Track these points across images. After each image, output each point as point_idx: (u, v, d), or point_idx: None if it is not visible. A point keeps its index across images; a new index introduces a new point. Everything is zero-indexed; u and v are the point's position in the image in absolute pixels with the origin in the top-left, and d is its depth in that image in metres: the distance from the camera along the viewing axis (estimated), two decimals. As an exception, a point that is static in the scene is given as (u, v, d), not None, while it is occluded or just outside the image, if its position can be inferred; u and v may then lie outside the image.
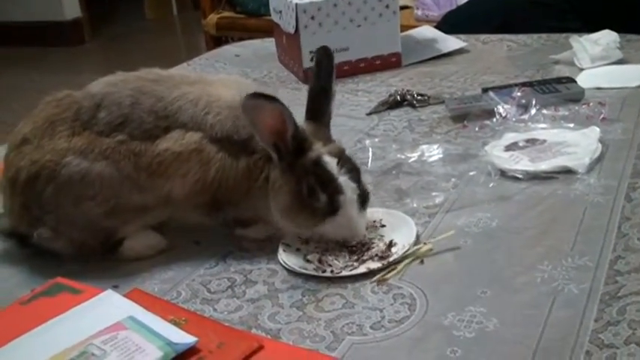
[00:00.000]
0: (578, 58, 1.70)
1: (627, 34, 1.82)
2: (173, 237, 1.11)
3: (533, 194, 1.15)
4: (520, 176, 1.19)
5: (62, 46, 5.01)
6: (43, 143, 1.05)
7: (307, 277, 0.99)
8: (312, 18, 1.78)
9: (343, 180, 1.00)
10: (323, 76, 1.07)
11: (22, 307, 0.90)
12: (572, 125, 1.33)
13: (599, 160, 1.22)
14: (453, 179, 1.21)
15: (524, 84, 1.54)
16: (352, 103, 1.66)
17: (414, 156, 1.30)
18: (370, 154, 1.31)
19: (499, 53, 1.95)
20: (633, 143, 1.29)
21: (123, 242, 1.08)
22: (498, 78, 1.71)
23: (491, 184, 1.18)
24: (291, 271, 1.00)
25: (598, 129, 1.29)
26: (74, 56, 5.00)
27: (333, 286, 0.96)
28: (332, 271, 0.99)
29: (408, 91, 1.63)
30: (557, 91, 1.50)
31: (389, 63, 1.87)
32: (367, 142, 1.37)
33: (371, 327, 0.87)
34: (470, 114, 1.46)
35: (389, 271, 0.98)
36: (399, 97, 1.61)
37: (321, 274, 0.99)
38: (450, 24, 2.28)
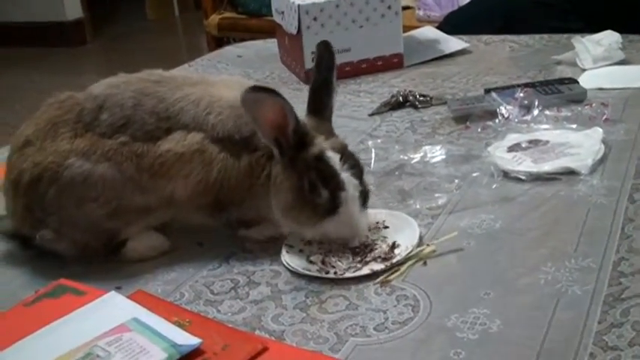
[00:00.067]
0: (581, 58, 1.70)
1: (629, 35, 1.82)
2: (176, 238, 1.11)
3: (536, 195, 1.15)
4: (523, 177, 1.19)
5: (64, 46, 5.01)
6: (45, 145, 1.05)
7: (310, 279, 0.99)
8: (315, 19, 1.78)
9: (345, 176, 1.00)
10: (324, 71, 1.07)
11: (25, 308, 0.90)
12: (574, 126, 1.33)
13: (602, 161, 1.22)
14: (456, 180, 1.21)
15: (526, 85, 1.54)
16: (354, 104, 1.66)
17: (416, 157, 1.30)
18: (373, 155, 1.31)
19: (501, 54, 1.94)
20: (636, 144, 1.29)
21: (126, 243, 1.08)
22: (500, 79, 1.71)
23: (494, 186, 1.18)
24: (294, 273, 1.00)
25: (601, 130, 1.29)
26: (76, 57, 5.01)
27: (336, 288, 0.96)
28: (335, 273, 0.99)
29: (410, 92, 1.63)
30: (559, 92, 1.50)
31: (391, 64, 1.87)
32: (370, 143, 1.37)
33: (374, 328, 0.87)
34: (472, 115, 1.46)
35: (392, 273, 0.98)
36: (401, 98, 1.61)
37: (324, 275, 0.99)
38: (451, 25, 2.27)
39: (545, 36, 1.99)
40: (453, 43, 1.99)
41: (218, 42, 3.55)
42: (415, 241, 1.03)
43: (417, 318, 0.88)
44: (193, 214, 1.09)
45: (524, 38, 2.00)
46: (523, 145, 1.28)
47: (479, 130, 1.41)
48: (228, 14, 3.60)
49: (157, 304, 0.89)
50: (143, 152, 1.05)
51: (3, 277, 1.08)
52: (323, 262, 1.01)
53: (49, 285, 0.96)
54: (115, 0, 6.08)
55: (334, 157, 1.00)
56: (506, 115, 1.41)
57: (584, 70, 1.67)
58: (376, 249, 1.03)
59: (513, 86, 1.55)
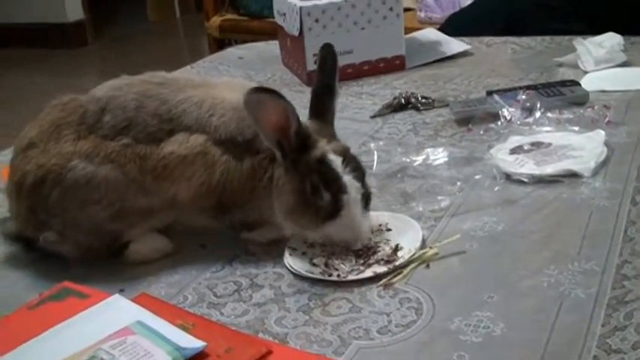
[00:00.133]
0: (582, 60, 1.70)
1: (631, 37, 1.82)
2: (179, 240, 1.11)
3: (538, 198, 1.15)
4: (525, 180, 1.19)
5: (65, 48, 5.01)
6: (49, 147, 1.06)
7: (313, 281, 0.99)
8: (316, 21, 1.79)
9: (347, 179, 1.00)
10: (326, 74, 1.07)
11: (29, 311, 0.90)
12: (577, 128, 1.33)
13: (604, 163, 1.22)
14: (459, 183, 1.21)
15: (528, 87, 1.54)
16: (356, 106, 1.66)
17: (418, 159, 1.30)
18: (375, 157, 1.31)
19: (503, 56, 1.95)
20: (638, 146, 1.29)
21: (129, 246, 1.08)
22: (502, 81, 1.71)
23: (496, 188, 1.18)
24: (297, 275, 1.01)
25: (603, 132, 1.29)
26: (77, 58, 5.01)
27: (339, 290, 0.96)
28: (338, 275, 0.99)
29: (412, 94, 1.63)
30: (561, 94, 1.50)
31: (393, 66, 1.87)
32: (372, 145, 1.37)
33: (378, 331, 0.87)
34: (474, 117, 1.46)
35: (395, 275, 0.98)
36: (403, 100, 1.62)
37: (327, 278, 0.99)
38: (453, 26, 2.27)
39: (547, 38, 1.99)
40: (455, 44, 2.00)
41: (219, 44, 3.55)
42: (418, 243, 1.03)
43: (420, 321, 0.88)
44: (196, 216, 1.09)
45: (525, 40, 2.01)
46: (525, 148, 1.28)
47: (481, 132, 1.41)
48: (229, 16, 3.60)
49: (161, 307, 0.89)
50: (146, 154, 1.05)
51: (6, 279, 1.08)
52: (326, 265, 1.01)
53: (53, 288, 0.96)
54: (116, 1, 6.08)
55: (336, 160, 1.00)
56: (508, 118, 1.41)
57: (585, 72, 1.67)
58: (379, 251, 1.03)
59: (515, 88, 1.55)
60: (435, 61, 1.92)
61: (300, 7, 1.77)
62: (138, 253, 1.09)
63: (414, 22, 2.89)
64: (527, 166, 1.22)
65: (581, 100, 1.49)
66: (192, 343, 0.81)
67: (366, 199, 1.03)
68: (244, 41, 2.77)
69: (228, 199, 1.06)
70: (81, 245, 1.06)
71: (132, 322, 0.84)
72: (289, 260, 1.03)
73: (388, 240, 1.06)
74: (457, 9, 2.76)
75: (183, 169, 1.05)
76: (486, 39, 2.06)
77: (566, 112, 1.43)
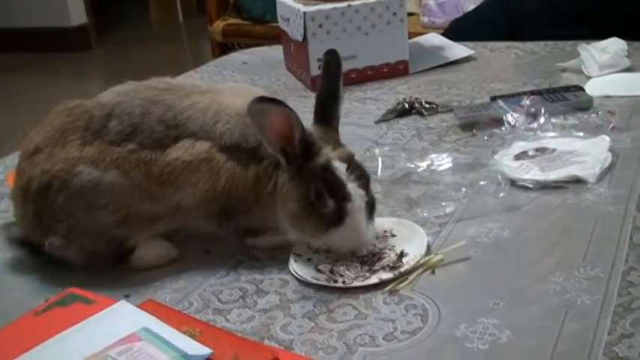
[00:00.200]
0: (586, 66, 1.70)
1: (635, 42, 1.82)
2: (183, 246, 1.11)
3: (543, 204, 1.15)
4: (530, 186, 1.19)
5: (68, 51, 5.03)
6: (54, 152, 1.06)
7: (318, 288, 0.99)
8: (320, 26, 1.79)
9: (352, 187, 1.00)
10: (331, 80, 1.07)
11: (36, 317, 0.90)
12: (581, 134, 1.33)
13: (609, 169, 1.22)
14: (463, 189, 1.21)
15: (532, 92, 1.54)
16: (360, 111, 1.66)
17: (423, 165, 1.30)
18: (379, 163, 1.31)
19: (506, 61, 1.95)
20: (643, 152, 1.29)
21: (134, 251, 1.08)
22: (506, 86, 1.72)
23: (501, 194, 1.18)
24: (302, 281, 1.01)
25: (608, 138, 1.29)
26: (80, 62, 5.02)
27: (344, 297, 0.96)
28: (343, 282, 0.99)
29: (416, 99, 1.63)
30: (565, 99, 1.50)
31: (396, 71, 1.87)
32: (376, 151, 1.37)
33: (383, 338, 0.87)
34: (479, 122, 1.47)
35: (400, 282, 0.98)
36: (407, 106, 1.62)
37: (332, 284, 0.99)
38: (456, 31, 2.28)
39: (550, 43, 2.00)
40: (458, 50, 2.00)
41: (222, 48, 3.56)
42: (423, 249, 1.03)
43: (426, 327, 0.88)
44: (201, 222, 1.09)
45: (529, 45, 2.01)
46: (530, 153, 1.28)
47: (485, 137, 1.41)
48: (232, 20, 3.61)
49: (167, 313, 0.89)
50: (151, 160, 1.05)
51: (12, 283, 1.08)
52: (331, 271, 1.01)
53: (58, 293, 0.96)
54: (120, 6, 6.09)
55: (341, 167, 1.01)
56: (512, 123, 1.41)
57: (589, 77, 1.67)
58: (384, 258, 1.03)
59: (519, 94, 1.55)
60: (438, 66, 1.92)
61: (304, 12, 1.78)
62: (142, 259, 1.09)
63: (417, 26, 2.90)
64: (532, 172, 1.22)
65: (586, 105, 1.49)
66: (199, 350, 0.81)
67: (371, 206, 1.03)
68: (247, 45, 2.78)
69: (232, 206, 1.06)
70: (86, 250, 1.06)
71: (138, 328, 0.84)
72: (294, 266, 1.03)
73: (393, 246, 1.06)
74: (460, 14, 2.77)
75: (188, 176, 1.05)
76: (490, 44, 2.07)
77: (571, 118, 1.43)
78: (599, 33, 1.81)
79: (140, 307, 0.91)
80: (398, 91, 1.76)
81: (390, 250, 1.05)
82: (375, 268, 1.01)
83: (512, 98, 1.52)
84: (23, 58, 4.98)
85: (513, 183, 1.21)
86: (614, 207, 1.11)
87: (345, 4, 1.80)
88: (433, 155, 1.33)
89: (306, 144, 1.00)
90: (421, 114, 1.59)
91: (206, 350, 0.81)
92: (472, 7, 2.69)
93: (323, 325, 0.91)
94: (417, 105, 1.61)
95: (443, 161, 1.30)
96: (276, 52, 2.14)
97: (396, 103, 1.64)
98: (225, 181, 1.05)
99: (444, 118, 1.55)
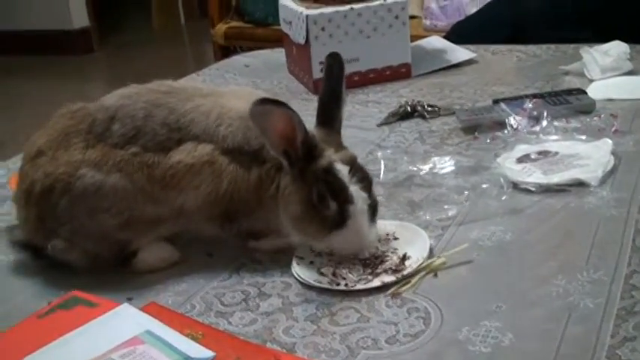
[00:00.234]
0: (588, 69, 1.70)
1: (637, 45, 1.82)
2: (186, 249, 1.11)
3: (546, 207, 1.15)
4: (533, 189, 1.19)
5: (70, 54, 5.03)
6: (57, 155, 1.06)
7: (321, 291, 0.99)
8: (323, 29, 1.79)
9: (354, 189, 1.00)
10: (333, 82, 1.07)
11: (39, 320, 0.90)
12: (584, 137, 1.33)
13: (611, 172, 1.22)
14: (466, 192, 1.21)
15: (535, 95, 1.54)
16: (363, 114, 1.66)
17: (425, 168, 1.30)
18: (382, 166, 1.31)
19: (509, 64, 1.95)
20: (646, 155, 1.29)
21: (136, 254, 1.08)
22: (508, 89, 1.72)
23: (503, 197, 1.18)
24: (304, 284, 1.01)
25: (610, 141, 1.29)
26: (82, 65, 5.02)
27: (347, 300, 0.96)
28: (346, 285, 0.99)
29: (418, 102, 1.63)
30: (568, 102, 1.50)
31: (399, 73, 1.88)
32: (379, 154, 1.37)
33: (386, 341, 0.87)
34: (481, 125, 1.47)
35: (403, 285, 0.98)
36: (409, 108, 1.62)
37: (335, 287, 0.99)
38: (458, 34, 2.28)
39: (553, 46, 2.00)
40: (461, 53, 2.00)
41: (224, 51, 3.56)
42: (426, 252, 1.03)
43: (428, 330, 0.88)
44: (203, 225, 1.09)
45: (531, 48, 2.01)
46: (532, 157, 1.28)
47: (488, 140, 1.41)
48: (234, 23, 3.61)
49: (170, 316, 0.89)
50: (154, 163, 1.05)
51: (14, 286, 1.08)
52: (334, 274, 1.01)
53: (61, 296, 0.96)
54: (121, 9, 6.10)
55: (343, 170, 1.01)
56: (515, 126, 1.41)
57: (591, 80, 1.67)
58: (387, 261, 1.03)
59: (522, 97, 1.55)
60: (440, 69, 1.93)
61: (307, 16, 1.78)
62: (145, 262, 1.09)
63: (419, 29, 2.90)
64: (534, 175, 1.22)
65: (588, 108, 1.49)
66: (202, 352, 0.81)
67: (373, 209, 1.03)
68: (249, 48, 2.78)
69: (235, 208, 1.06)
70: (89, 253, 1.07)
71: (141, 331, 0.84)
72: (297, 269, 1.03)
73: (396, 249, 1.06)
74: (462, 17, 2.77)
75: (190, 179, 1.05)
76: (492, 47, 2.07)
77: (573, 121, 1.43)
78: (602, 36, 1.81)
79: (143, 309, 0.91)
80: (400, 94, 1.77)
81: (392, 253, 1.05)
82: (378, 271, 1.01)
83: (515, 101, 1.52)
84: (25, 60, 4.98)
85: (516, 186, 1.21)
86: (616, 210, 1.11)
87: (347, 7, 1.81)
88: (435, 158, 1.33)
89: (308, 146, 1.00)
90: (423, 117, 1.59)
91: (209, 353, 0.81)
92: (474, 10, 2.70)
93: (325, 328, 0.91)
94: (419, 108, 1.61)
95: (445, 164, 1.30)
96: (278, 55, 2.14)
97: (398, 106, 1.64)
98: (227, 183, 1.05)
99: (446, 121, 1.55)
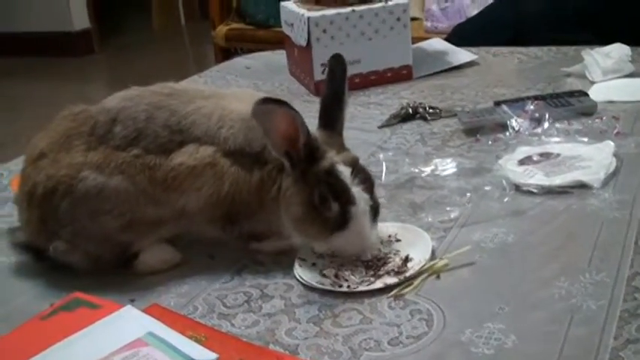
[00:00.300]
0: (590, 71, 1.71)
1: (639, 47, 1.82)
2: (187, 251, 1.11)
3: (548, 209, 1.15)
4: (535, 191, 1.19)
5: (71, 56, 5.04)
6: (59, 157, 1.06)
7: (323, 292, 0.99)
8: (324, 31, 1.79)
9: (356, 191, 1.00)
10: (336, 85, 1.07)
11: (42, 322, 0.90)
12: (586, 139, 1.33)
13: (614, 174, 1.22)
14: (468, 194, 1.21)
15: (536, 97, 1.54)
16: (364, 116, 1.66)
17: (427, 170, 1.30)
18: (384, 167, 1.31)
19: (510, 66, 1.95)
20: (647, 157, 1.29)
21: (138, 256, 1.08)
22: (509, 91, 1.72)
23: (505, 199, 1.18)
24: (307, 286, 1.00)
25: (612, 143, 1.29)
26: (83, 66, 5.03)
27: (349, 301, 0.96)
28: (348, 286, 0.99)
29: (420, 104, 1.63)
30: (569, 104, 1.50)
31: (400, 75, 1.88)
32: (381, 155, 1.37)
33: (389, 343, 0.87)
34: (483, 127, 1.47)
35: (405, 287, 0.98)
36: (410, 110, 1.62)
37: (337, 289, 0.99)
38: (459, 36, 2.28)
39: (554, 48, 2.00)
40: (462, 54, 2.00)
41: (225, 52, 3.57)
42: (428, 254, 1.03)
43: (431, 332, 0.88)
44: (205, 226, 1.09)
45: (532, 50, 2.01)
46: (534, 158, 1.28)
47: (489, 142, 1.41)
48: (235, 25, 3.62)
49: (173, 318, 0.89)
50: (156, 165, 1.05)
51: (16, 288, 1.08)
52: (336, 276, 1.01)
53: (63, 298, 0.96)
54: (122, 10, 6.11)
55: (345, 171, 1.01)
56: (516, 128, 1.41)
57: (593, 82, 1.68)
58: (389, 262, 1.03)
59: (523, 99, 1.55)
60: (441, 71, 1.93)
61: (308, 18, 1.78)
62: (147, 264, 1.09)
63: (420, 31, 2.90)
64: (536, 177, 1.22)
65: (590, 110, 1.49)
66: (205, 355, 0.81)
67: (375, 210, 1.03)
68: (250, 50, 2.78)
69: (236, 210, 1.06)
70: (90, 255, 1.06)
71: (144, 333, 0.84)
72: (299, 271, 1.03)
73: (398, 251, 1.06)
74: (463, 19, 2.77)
75: (192, 180, 1.05)
76: (493, 49, 2.07)
77: (575, 123, 1.43)
78: (603, 38, 1.81)
79: (145, 311, 0.91)
80: (401, 96, 1.77)
81: (394, 254, 1.05)
82: (380, 272, 1.01)
83: (516, 103, 1.52)
84: (26, 62, 4.99)
85: (518, 188, 1.21)
86: (619, 212, 1.11)
87: (349, 9, 1.81)
88: (437, 160, 1.33)
89: (310, 148, 1.00)
90: (425, 119, 1.59)
91: (212, 355, 0.81)
92: (475, 12, 2.70)
93: (328, 330, 0.91)
94: (420, 110, 1.61)
95: (447, 166, 1.30)
96: (279, 57, 2.14)
97: (399, 107, 1.65)
98: (229, 185, 1.05)
99: (447, 123, 1.55)
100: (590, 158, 1.26)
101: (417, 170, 1.30)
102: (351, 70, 1.69)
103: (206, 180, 1.05)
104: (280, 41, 2.10)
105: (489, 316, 0.90)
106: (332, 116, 1.07)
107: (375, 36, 1.83)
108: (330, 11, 1.80)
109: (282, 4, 1.96)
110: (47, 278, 1.08)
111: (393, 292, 0.97)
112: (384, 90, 1.82)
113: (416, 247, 1.05)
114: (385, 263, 1.03)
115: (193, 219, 1.08)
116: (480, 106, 1.63)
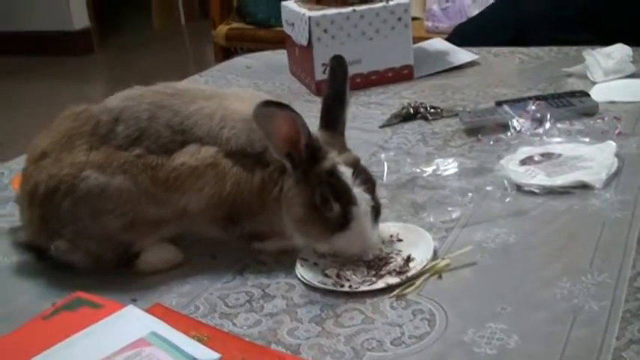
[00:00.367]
0: (591, 71, 1.71)
1: (640, 48, 1.83)
2: (189, 251, 1.11)
3: (549, 209, 1.15)
4: (536, 191, 1.19)
5: (71, 55, 5.03)
6: (61, 157, 1.06)
7: (325, 292, 0.99)
8: (325, 31, 1.79)
9: (358, 191, 1.00)
10: (337, 84, 1.07)
11: (43, 321, 0.90)
12: (587, 139, 1.33)
13: (615, 175, 1.22)
14: (470, 194, 1.21)
15: (538, 97, 1.54)
16: (365, 115, 1.66)
17: (428, 170, 1.30)
18: (385, 167, 1.31)
19: (511, 66, 1.95)
20: (649, 158, 1.29)
21: (139, 255, 1.08)
22: (510, 91, 1.72)
23: (507, 199, 1.18)
24: (308, 286, 1.00)
25: (614, 144, 1.29)
26: (83, 66, 5.03)
27: (351, 301, 0.96)
28: (350, 286, 0.99)
29: (421, 103, 1.63)
30: (571, 104, 1.50)
31: (401, 75, 1.88)
32: (382, 155, 1.37)
33: (391, 343, 0.87)
34: (484, 127, 1.47)
35: (407, 287, 0.98)
36: (411, 110, 1.62)
37: (339, 288, 0.99)
38: (460, 36, 2.28)
39: (555, 48, 2.00)
40: (463, 54, 2.00)
41: (225, 52, 3.57)
42: (430, 254, 1.03)
43: (433, 332, 0.88)
44: (207, 227, 1.09)
45: (534, 50, 2.01)
46: (536, 159, 1.28)
47: (491, 142, 1.41)
48: (236, 24, 3.62)
49: (175, 318, 0.89)
50: (158, 165, 1.05)
51: (17, 287, 1.08)
52: (338, 276, 1.01)
53: (66, 297, 0.96)
54: (122, 10, 6.10)
55: (347, 172, 1.01)
56: (518, 128, 1.41)
57: (594, 83, 1.68)
58: (391, 262, 1.03)
59: (525, 99, 1.55)
60: (442, 71, 1.93)
61: (309, 17, 1.78)
62: (148, 263, 1.09)
63: (421, 31, 2.90)
64: (538, 177, 1.22)
65: (591, 110, 1.49)
66: (208, 354, 0.81)
67: (376, 211, 1.03)
68: (250, 50, 2.78)
69: (238, 211, 1.06)
70: (92, 255, 1.06)
71: (147, 333, 0.84)
72: (301, 271, 1.03)
73: (400, 251, 1.06)
74: (464, 19, 2.77)
75: (194, 181, 1.05)
76: (494, 49, 2.07)
77: (577, 123, 1.43)
78: (605, 38, 1.81)
79: (148, 311, 0.91)
80: (402, 96, 1.77)
81: (396, 254, 1.05)
82: (382, 272, 1.01)
83: (518, 103, 1.52)
84: (25, 61, 4.98)
85: (519, 188, 1.21)
86: (620, 212, 1.11)
87: (349, 9, 1.81)
88: (439, 160, 1.33)
89: (312, 148, 1.00)
90: (426, 119, 1.59)
91: (215, 355, 0.81)
92: (476, 12, 2.70)
93: (330, 330, 0.91)
94: (421, 110, 1.61)
95: (448, 166, 1.30)
96: (280, 56, 2.14)
97: (400, 107, 1.65)
98: (230, 186, 1.05)
99: (448, 123, 1.55)
100: (592, 159, 1.26)
101: (418, 170, 1.30)
102: (352, 70, 1.70)
103: (208, 180, 1.05)
104: (281, 41, 2.10)
105: (491, 316, 0.90)
106: (333, 117, 1.07)
107: (376, 36, 1.83)
108: (331, 11, 1.80)
109: (283, 3, 1.96)
110: (48, 278, 1.08)
111: (395, 292, 0.97)
112: (385, 90, 1.82)
113: (418, 247, 1.05)
114: (387, 263, 1.03)
115: (195, 219, 1.08)
116: (481, 106, 1.63)
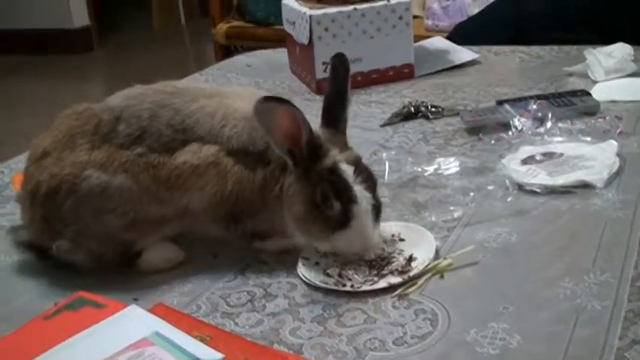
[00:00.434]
0: (592, 70, 1.70)
1: (641, 47, 1.82)
2: (191, 250, 1.11)
3: (551, 209, 1.15)
4: (538, 190, 1.19)
5: (70, 53, 5.03)
6: (63, 156, 1.06)
7: (327, 292, 0.99)
8: (326, 29, 1.79)
9: (358, 189, 1.00)
10: (339, 83, 1.07)
11: (45, 321, 0.90)
12: (589, 139, 1.33)
13: (617, 174, 1.22)
14: (471, 193, 1.21)
15: (539, 97, 1.54)
16: (366, 114, 1.66)
17: (430, 169, 1.30)
18: (387, 166, 1.31)
19: (511, 65, 1.95)
20: (650, 157, 1.29)
21: (141, 254, 1.08)
22: (511, 90, 1.72)
23: (509, 199, 1.18)
24: (310, 285, 1.00)
25: (615, 143, 1.29)
26: (82, 64, 5.02)
27: (353, 301, 0.96)
28: (352, 286, 0.99)
29: (421, 102, 1.63)
30: (572, 104, 1.50)
31: (402, 74, 1.88)
32: (384, 154, 1.37)
33: (393, 342, 0.87)
34: (485, 126, 1.47)
35: (409, 286, 0.98)
36: (412, 109, 1.62)
37: (341, 288, 0.99)
38: (461, 35, 2.28)
39: (556, 47, 2.00)
40: (464, 53, 2.00)
41: (225, 50, 3.56)
42: (432, 254, 1.03)
43: (436, 332, 0.88)
44: (208, 225, 1.09)
45: (534, 49, 2.01)
46: (537, 158, 1.28)
47: (492, 142, 1.41)
48: (235, 23, 3.61)
49: (178, 317, 0.89)
50: (159, 164, 1.05)
51: (19, 287, 1.08)
52: (340, 275, 1.01)
53: (68, 297, 0.96)
54: (122, 8, 6.10)
55: (348, 170, 1.00)
56: (519, 127, 1.41)
57: (595, 82, 1.67)
58: (393, 262, 1.03)
59: (526, 98, 1.55)
60: (443, 70, 1.93)
61: (310, 16, 1.78)
62: (150, 262, 1.08)
63: (421, 29, 2.90)
64: (539, 177, 1.22)
65: (592, 110, 1.49)
66: (210, 354, 0.81)
67: (377, 210, 1.03)
68: (250, 48, 2.78)
69: (240, 209, 1.06)
70: (94, 254, 1.06)
71: (149, 333, 0.84)
72: (302, 270, 1.03)
73: (402, 250, 1.06)
74: (464, 17, 2.77)
75: (195, 179, 1.05)
76: (494, 48, 2.07)
77: (578, 123, 1.43)
78: (606, 37, 1.81)
79: (150, 311, 0.90)
80: (403, 95, 1.77)
81: (398, 254, 1.05)
82: (384, 272, 1.01)
83: (519, 102, 1.52)
84: (25, 59, 4.98)
85: (521, 187, 1.21)
86: (622, 212, 1.11)
87: (350, 7, 1.81)
88: (440, 159, 1.33)
89: (313, 146, 1.00)
90: (427, 117, 1.59)
91: (217, 355, 0.81)
92: (476, 10, 2.70)
93: (332, 330, 0.91)
94: (422, 108, 1.61)
95: (450, 165, 1.30)
96: (280, 55, 2.14)
97: (401, 106, 1.64)
98: (232, 184, 1.05)
99: (449, 122, 1.55)
100: (594, 158, 1.26)
101: (419, 169, 1.30)
102: (352, 69, 1.68)
103: (209, 179, 1.05)
104: (280, 39, 2.10)
105: (494, 315, 0.90)
106: (335, 115, 1.07)
107: (377, 34, 1.83)
108: (332, 9, 1.80)
109: (284, 2, 1.96)
110: (50, 277, 1.08)
111: (397, 292, 0.97)
112: (386, 88, 1.82)
113: (419, 246, 1.05)
114: (389, 263, 1.03)
115: (197, 218, 1.08)
116: (482, 105, 1.63)
